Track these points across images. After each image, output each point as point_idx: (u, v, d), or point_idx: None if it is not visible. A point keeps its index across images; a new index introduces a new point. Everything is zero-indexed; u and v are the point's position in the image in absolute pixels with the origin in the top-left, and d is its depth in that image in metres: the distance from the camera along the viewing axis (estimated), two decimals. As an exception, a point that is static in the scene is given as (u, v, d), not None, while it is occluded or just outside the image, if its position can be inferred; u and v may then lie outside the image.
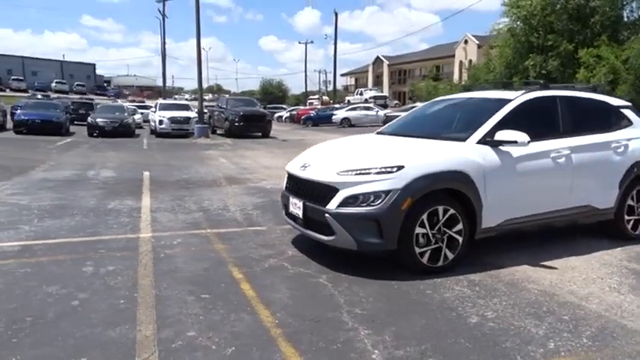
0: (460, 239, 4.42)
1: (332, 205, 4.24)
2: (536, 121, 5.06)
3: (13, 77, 61.64)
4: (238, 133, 21.78)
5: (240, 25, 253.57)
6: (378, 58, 61.87)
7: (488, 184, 4.47)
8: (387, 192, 4.11)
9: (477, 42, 42.13)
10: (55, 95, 48.67)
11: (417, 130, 5.44)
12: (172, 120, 21.88)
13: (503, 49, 21.92)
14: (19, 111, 21.11)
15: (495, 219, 4.61)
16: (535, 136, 4.86)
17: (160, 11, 40.80)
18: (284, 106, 53.96)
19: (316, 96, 60.91)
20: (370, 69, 63.30)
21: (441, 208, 4.29)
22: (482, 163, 4.47)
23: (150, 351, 2.90)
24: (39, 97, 37.28)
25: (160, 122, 21.81)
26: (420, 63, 53.38)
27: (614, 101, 5.76)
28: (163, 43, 38.92)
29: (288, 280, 4.16)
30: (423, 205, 4.22)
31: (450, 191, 4.37)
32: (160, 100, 27.56)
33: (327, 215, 4.27)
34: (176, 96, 66.67)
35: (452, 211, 4.34)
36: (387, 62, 59.67)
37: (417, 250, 4.24)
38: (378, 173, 4.20)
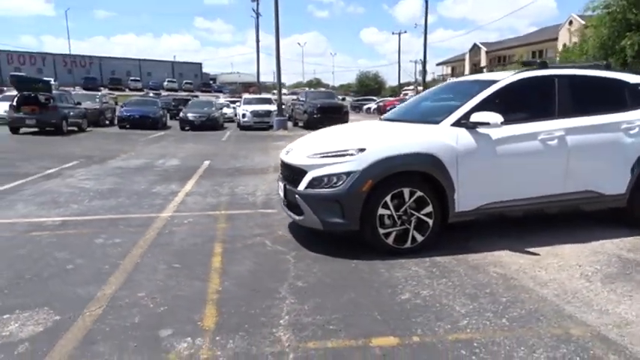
0: (430, 222, 4.45)
1: (301, 186, 4.50)
2: (526, 102, 4.89)
3: (130, 78, 68.58)
4: (315, 125, 22.34)
5: (341, 19, 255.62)
6: (475, 45, 59.20)
7: (462, 167, 4.43)
8: (347, 174, 4.28)
9: (583, 22, 38.62)
10: (166, 93, 53.25)
11: (410, 114, 5.49)
12: (254, 113, 23.04)
13: (598, 29, 20.00)
14: (122, 108, 23.55)
15: (472, 203, 4.55)
16: (523, 118, 4.73)
17: (254, 10, 42.82)
18: (374, 98, 54.00)
19: (411, 87, 59.93)
20: (467, 57, 60.77)
21: (406, 190, 4.35)
22: (455, 145, 4.44)
23: (99, 305, 3.41)
24: (150, 94, 41.00)
25: (243, 116, 23.10)
26: (520, 48, 50.14)
27: (634, 78, 5.29)
28: (257, 41, 40.81)
29: (258, 256, 4.49)
30: (386, 187, 4.31)
31: (418, 174, 4.41)
32: (245, 95, 29.05)
33: (296, 196, 4.53)
34: (274, 91, 69.51)
35: (419, 193, 4.38)
36: (485, 49, 56.89)
37: (382, 230, 4.36)
38: (340, 156, 4.37)
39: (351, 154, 4.33)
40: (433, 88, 6.65)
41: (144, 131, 20.87)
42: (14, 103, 17.67)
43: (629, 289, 3.64)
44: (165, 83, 68.87)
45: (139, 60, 77.58)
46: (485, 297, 3.52)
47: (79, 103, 20.57)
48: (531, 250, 4.54)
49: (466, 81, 5.68)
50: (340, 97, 33.42)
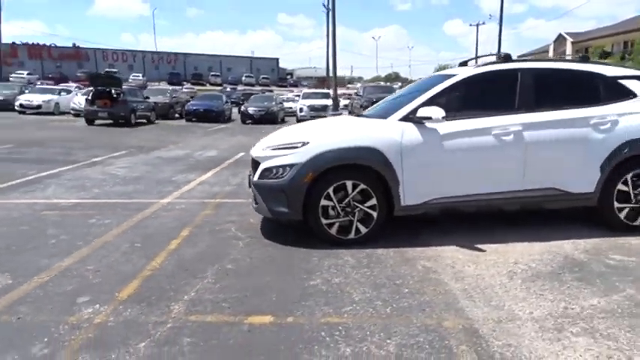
0: (374, 214, 4.56)
1: (255, 177, 4.79)
2: (483, 96, 4.81)
3: (211, 73, 72.27)
4: (369, 119, 22.46)
5: (423, 11, 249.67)
6: (560, 35, 55.55)
7: (407, 161, 4.49)
8: (291, 165, 4.50)
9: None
10: (242, 87, 55.60)
11: (382, 110, 5.55)
12: (311, 108, 23.53)
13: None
14: (190, 102, 25.02)
15: (419, 197, 4.59)
16: (477, 113, 4.69)
17: (324, 5, 43.15)
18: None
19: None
20: (551, 48, 57.19)
21: (349, 183, 4.50)
22: (400, 140, 4.51)
23: (48, 274, 3.91)
24: (228, 89, 42.99)
25: (300, 110, 23.67)
26: (609, 38, 46.40)
27: (612, 71, 4.98)
28: (328, 36, 41.11)
29: (214, 240, 4.84)
30: (329, 179, 4.48)
31: (361, 167, 4.53)
32: (305, 90, 29.60)
33: (252, 186, 4.83)
34: (349, 85, 70.03)
35: (363, 186, 4.50)
36: (571, 39, 53.20)
37: (324, 221, 4.54)
38: (288, 148, 4.61)
39: (296, 147, 4.55)
40: (413, 82, 6.61)
41: (207, 124, 22.07)
42: (89, 97, 19.46)
43: (545, 288, 3.57)
44: (243, 78, 71.94)
45: (220, 56, 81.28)
46: (389, 287, 3.62)
47: (148, 98, 22.15)
48: (481, 246, 4.51)
49: (437, 75, 5.63)
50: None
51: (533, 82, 4.74)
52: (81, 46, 63.44)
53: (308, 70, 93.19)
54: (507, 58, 4.93)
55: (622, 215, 4.80)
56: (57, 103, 24.38)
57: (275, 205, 4.60)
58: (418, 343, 2.79)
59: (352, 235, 4.56)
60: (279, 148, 4.67)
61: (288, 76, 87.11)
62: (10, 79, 44.12)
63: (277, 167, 4.56)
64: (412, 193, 4.55)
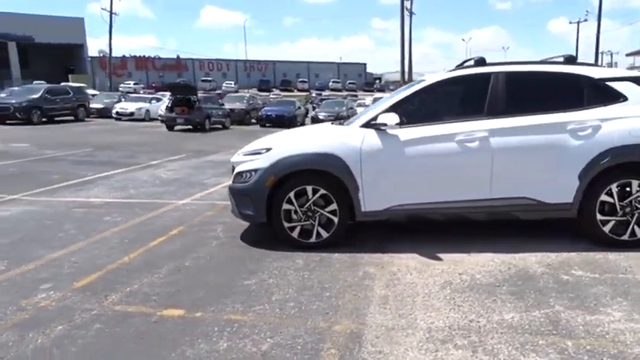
0: (335, 219, 4.64)
1: (230, 181, 5.08)
2: (450, 101, 4.70)
3: (299, 80, 74.37)
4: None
5: (524, 10, 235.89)
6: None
7: (366, 167, 4.53)
8: (255, 170, 4.73)
9: None
10: (328, 93, 56.70)
11: (359, 116, 5.57)
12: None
13: None
14: (264, 108, 26.08)
15: (381, 203, 4.60)
16: (441, 118, 4.62)
17: (407, 9, 42.73)
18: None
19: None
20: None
21: (309, 188, 4.62)
22: (360, 146, 4.55)
23: (35, 263, 4.48)
24: (313, 94, 44.07)
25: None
26: None
27: (600, 73, 4.60)
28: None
29: (194, 239, 5.17)
30: (290, 184, 4.64)
31: (321, 172, 4.63)
32: (376, 95, 29.50)
33: (227, 189, 5.13)
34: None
35: (322, 191, 4.61)
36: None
37: (287, 224, 4.70)
38: (254, 154, 4.84)
39: (260, 153, 4.77)
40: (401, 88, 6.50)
41: (279, 129, 22.88)
42: (169, 105, 21.07)
43: (468, 300, 3.47)
44: (330, 84, 73.15)
45: (308, 62, 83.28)
46: (314, 290, 3.71)
47: (223, 105, 23.48)
48: (443, 255, 4.42)
49: (415, 80, 5.53)
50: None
51: (505, 87, 4.53)
52: (183, 57, 68.83)
53: (395, 74, 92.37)
54: (480, 62, 4.75)
55: (607, 229, 4.42)
56: (147, 111, 26.58)
57: (243, 208, 4.85)
58: (293, 344, 2.89)
59: (313, 239, 4.67)
60: (249, 154, 4.91)
61: (377, 81, 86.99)
62: (120, 88, 48.76)
63: (245, 172, 4.81)
64: (373, 199, 4.56)
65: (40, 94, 22.93)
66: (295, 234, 4.70)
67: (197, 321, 3.24)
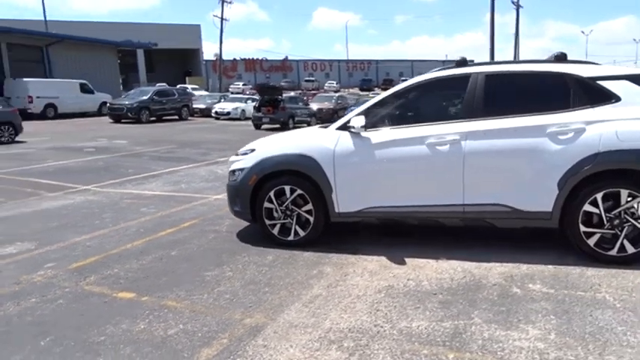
0: (311, 219, 4.79)
1: (227, 179, 5.45)
2: (427, 104, 4.60)
3: (402, 78, 73.39)
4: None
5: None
6: None
7: (339, 169, 4.62)
8: (241, 169, 5.04)
9: None
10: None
11: None
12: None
13: None
14: (350, 107, 26.34)
15: (354, 205, 4.66)
16: (414, 121, 4.58)
17: (513, 2, 40.47)
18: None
19: None
20: None
21: (287, 188, 4.82)
22: (334, 148, 4.65)
23: (59, 245, 5.20)
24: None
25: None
26: None
27: (591, 71, 4.18)
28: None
29: (197, 232, 5.60)
30: (270, 183, 4.88)
31: (298, 173, 4.80)
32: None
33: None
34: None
35: (299, 191, 4.78)
36: None
37: (268, 222, 4.95)
38: (242, 154, 5.15)
39: (246, 153, 5.06)
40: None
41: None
42: (256, 105, 22.24)
43: (391, 306, 3.46)
44: (433, 81, 71.30)
45: (412, 61, 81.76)
46: (258, 285, 3.93)
47: (308, 105, 24.19)
48: (409, 260, 4.39)
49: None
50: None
51: (484, 88, 4.33)
52: (291, 58, 71.63)
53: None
54: (461, 63, 4.56)
55: (591, 242, 4.05)
56: (243, 110, 28.20)
57: (233, 205, 5.18)
58: (196, 332, 3.15)
59: (292, 237, 4.86)
60: (241, 154, 5.23)
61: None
62: (230, 89, 52.09)
63: (235, 170, 5.14)
64: (346, 200, 4.63)
65: (148, 96, 25.42)
66: (275, 231, 4.92)
67: (138, 304, 3.62)
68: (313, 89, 54.21)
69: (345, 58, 79.21)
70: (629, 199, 3.92)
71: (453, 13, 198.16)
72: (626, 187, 3.91)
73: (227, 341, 3.00)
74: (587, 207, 4.01)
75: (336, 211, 4.68)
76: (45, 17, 37.65)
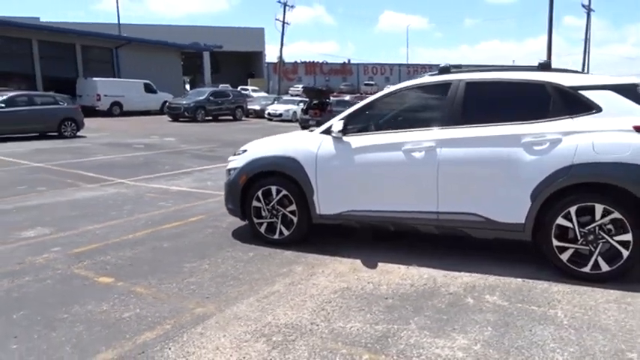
0: (295, 219, 4.94)
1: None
2: (407, 110, 4.62)
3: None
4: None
5: None
6: None
7: (321, 172, 4.74)
8: (234, 169, 5.28)
9: None
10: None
11: None
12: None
13: None
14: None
15: (334, 207, 4.76)
16: (398, 127, 4.62)
17: (584, 6, 38.43)
18: None
19: None
20: None
21: (274, 188, 5.00)
22: (316, 151, 4.78)
23: (71, 232, 5.69)
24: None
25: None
26: None
27: (573, 80, 4.03)
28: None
29: (198, 226, 5.89)
30: (258, 183, 5.08)
31: (283, 174, 4.95)
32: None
33: (226, 186, 5.76)
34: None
35: (285, 192, 4.95)
36: None
37: (256, 220, 5.15)
38: (236, 155, 5.39)
39: (239, 154, 5.29)
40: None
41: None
42: (304, 108, 22.62)
43: (337, 307, 3.55)
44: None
45: (477, 66, 79.43)
46: (226, 278, 4.13)
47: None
48: (382, 264, 4.44)
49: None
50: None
51: (463, 96, 4.30)
52: (353, 62, 71.97)
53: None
54: (444, 70, 4.53)
55: (565, 257, 3.92)
56: (294, 112, 28.68)
57: (227, 202, 5.42)
58: (146, 316, 3.39)
59: (277, 236, 5.03)
60: (236, 154, 5.47)
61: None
62: (289, 91, 53.10)
63: (230, 170, 5.38)
64: (327, 203, 4.74)
65: (204, 97, 26.51)
66: (263, 229, 5.10)
67: (111, 288, 3.93)
68: (372, 93, 54.05)
69: (406, 62, 78.31)
70: (605, 214, 3.76)
71: (525, 15, 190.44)
72: (601, 201, 3.76)
73: (170, 327, 3.21)
74: (561, 221, 3.89)
75: (318, 213, 4.79)
76: (118, 20, 40.21)
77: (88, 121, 18.80)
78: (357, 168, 4.57)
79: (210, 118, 26.76)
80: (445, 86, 4.42)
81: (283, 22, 47.43)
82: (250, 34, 59.01)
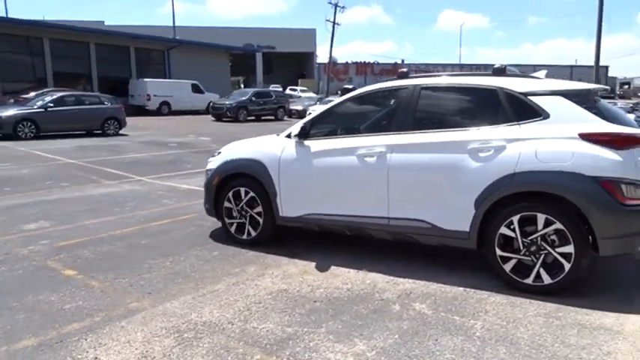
0: (261, 220, 5.07)
1: (206, 179, 5.91)
2: (364, 115, 4.62)
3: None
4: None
5: None
6: None
7: (283, 175, 4.85)
8: (210, 170, 5.48)
9: None
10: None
11: None
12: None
13: None
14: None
15: (295, 210, 4.85)
16: (355, 132, 4.65)
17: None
18: None
19: None
20: None
21: (242, 190, 5.16)
22: (280, 154, 4.88)
23: (67, 226, 6.10)
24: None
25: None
26: None
27: (525, 86, 3.89)
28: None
29: (184, 224, 6.15)
30: (229, 184, 5.25)
31: (250, 176, 5.08)
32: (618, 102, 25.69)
33: (208, 186, 5.97)
34: None
35: (252, 194, 5.09)
36: None
37: (227, 220, 5.33)
38: (213, 156, 5.58)
39: (214, 156, 5.48)
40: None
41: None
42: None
43: (263, 307, 3.63)
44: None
45: (533, 65, 76.17)
46: (179, 275, 4.32)
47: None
48: (334, 268, 4.49)
49: None
50: None
51: (417, 101, 4.27)
52: (407, 62, 71.11)
53: (650, 76, 77.09)
54: (402, 75, 4.49)
55: (508, 267, 3.80)
56: (336, 113, 28.86)
57: (205, 202, 5.63)
58: (85, 307, 3.62)
59: (245, 237, 5.18)
60: (213, 156, 5.66)
61: (625, 86, 74.38)
62: (338, 92, 53.30)
63: (207, 171, 5.58)
64: (288, 205, 4.83)
65: (247, 97, 27.16)
66: (233, 229, 5.27)
67: (70, 281, 4.21)
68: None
69: (459, 62, 76.34)
70: (547, 224, 3.62)
71: (594, 12, 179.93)
72: (543, 211, 3.62)
73: (99, 319, 3.42)
74: (504, 230, 3.78)
75: (280, 215, 4.89)
76: (174, 23, 41.79)
77: (137, 120, 19.83)
78: (315, 172, 4.63)
79: (252, 118, 27.40)
80: (402, 91, 4.39)
81: (333, 23, 47.65)
82: (302, 35, 59.64)
